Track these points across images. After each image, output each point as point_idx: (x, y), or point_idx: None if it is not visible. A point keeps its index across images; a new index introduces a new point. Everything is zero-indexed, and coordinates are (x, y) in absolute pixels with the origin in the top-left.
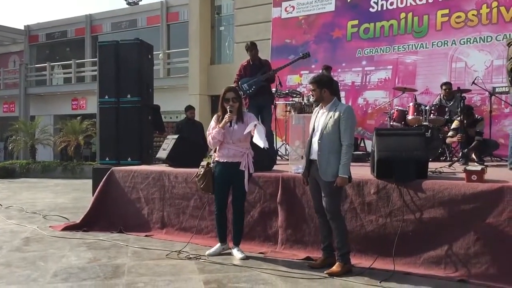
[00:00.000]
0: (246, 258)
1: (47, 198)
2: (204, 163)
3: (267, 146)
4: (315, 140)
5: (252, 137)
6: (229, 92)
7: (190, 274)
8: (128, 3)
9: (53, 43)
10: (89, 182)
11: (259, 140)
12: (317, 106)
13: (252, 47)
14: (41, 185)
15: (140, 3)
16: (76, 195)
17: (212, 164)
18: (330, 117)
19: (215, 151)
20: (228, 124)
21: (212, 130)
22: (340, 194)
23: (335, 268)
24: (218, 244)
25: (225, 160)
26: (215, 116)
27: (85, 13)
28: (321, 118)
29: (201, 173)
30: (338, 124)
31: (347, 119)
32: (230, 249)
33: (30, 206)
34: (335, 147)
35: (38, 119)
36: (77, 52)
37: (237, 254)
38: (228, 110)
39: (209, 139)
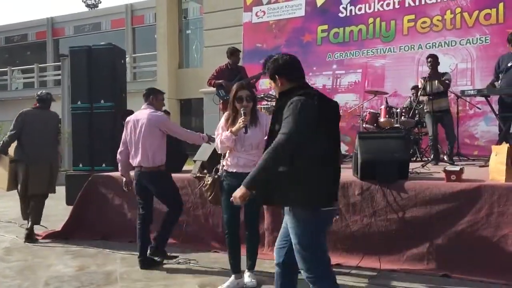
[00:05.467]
0: (258, 286)
1: (18, 207)
2: (206, 170)
3: None
4: None
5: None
6: (242, 90)
7: (184, 278)
8: (87, 5)
9: (12, 47)
10: (62, 189)
11: None
12: None
13: (234, 53)
14: (9, 193)
15: (101, 6)
16: (48, 203)
17: (220, 172)
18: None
19: (223, 157)
20: (243, 130)
21: (221, 131)
22: None
23: None
24: (232, 277)
25: (235, 170)
26: (225, 114)
27: (46, 16)
28: None
29: (209, 182)
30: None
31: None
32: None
33: (2, 215)
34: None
35: (2, 125)
36: (38, 55)
37: (248, 280)
38: (242, 112)
39: (217, 141)
